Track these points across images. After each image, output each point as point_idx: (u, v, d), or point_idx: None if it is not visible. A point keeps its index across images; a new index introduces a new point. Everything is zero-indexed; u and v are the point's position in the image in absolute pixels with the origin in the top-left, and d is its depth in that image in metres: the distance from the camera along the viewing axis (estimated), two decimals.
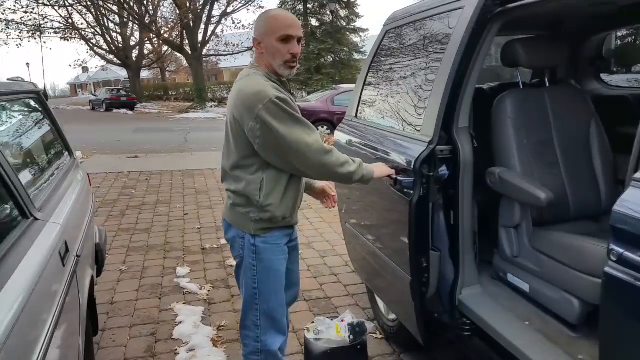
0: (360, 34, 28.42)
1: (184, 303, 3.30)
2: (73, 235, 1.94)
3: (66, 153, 2.81)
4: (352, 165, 1.82)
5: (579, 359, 1.73)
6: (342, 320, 2.27)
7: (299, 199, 1.97)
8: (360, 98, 2.94)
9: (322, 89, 17.90)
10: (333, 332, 2.23)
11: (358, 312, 3.15)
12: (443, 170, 2.03)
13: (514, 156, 2.19)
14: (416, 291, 2.05)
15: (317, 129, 12.56)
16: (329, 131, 12.24)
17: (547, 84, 2.43)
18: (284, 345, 2.05)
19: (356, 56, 27.62)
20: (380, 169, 2.01)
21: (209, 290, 3.50)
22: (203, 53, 27.60)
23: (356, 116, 2.94)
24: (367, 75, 2.89)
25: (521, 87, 2.39)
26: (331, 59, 26.91)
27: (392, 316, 2.74)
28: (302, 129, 1.72)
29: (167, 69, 43.00)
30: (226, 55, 29.74)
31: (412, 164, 1.98)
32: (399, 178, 2.02)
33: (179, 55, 32.40)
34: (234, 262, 3.89)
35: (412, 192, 1.98)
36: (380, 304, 2.90)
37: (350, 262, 3.93)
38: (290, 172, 1.83)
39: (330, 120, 12.23)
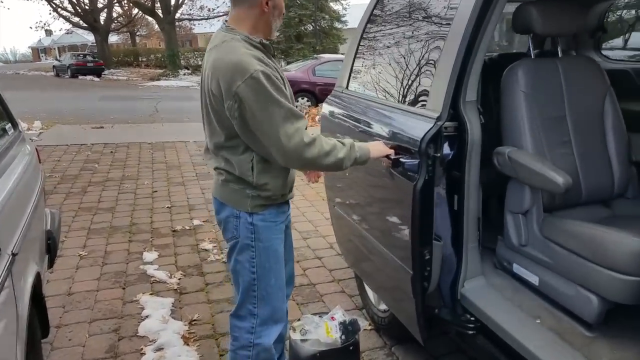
0: (342, 1, 27.82)
1: (151, 294, 3.00)
2: (7, 227, 1.62)
3: (8, 125, 2.44)
4: (340, 150, 1.62)
5: None
6: (333, 318, 2.03)
7: (295, 173, 1.81)
8: (352, 68, 2.64)
9: (303, 58, 17.44)
10: (322, 331, 1.99)
11: (345, 300, 2.92)
12: (447, 149, 1.79)
13: (526, 134, 1.96)
14: (417, 287, 1.83)
15: (297, 100, 12.42)
16: (309, 103, 11.92)
17: (560, 54, 2.18)
18: (284, 332, 1.90)
19: (337, 25, 27.00)
20: (377, 148, 1.79)
21: (179, 279, 3.21)
22: (176, 17, 26.57)
23: (347, 88, 2.64)
24: (359, 43, 2.58)
25: (532, 56, 2.12)
26: (312, 28, 26.26)
27: (383, 306, 2.52)
28: (285, 116, 1.49)
29: (138, 33, 41.55)
30: (201, 20, 28.79)
31: (418, 143, 1.72)
32: (402, 159, 1.78)
33: (150, 19, 31.13)
34: (208, 246, 3.72)
35: (416, 175, 1.73)
36: (370, 293, 2.68)
37: (336, 244, 3.70)
38: (271, 160, 1.62)
39: (311, 91, 12.05)
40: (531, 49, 2.13)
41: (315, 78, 12.01)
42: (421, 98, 1.93)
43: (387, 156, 1.82)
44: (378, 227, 2.19)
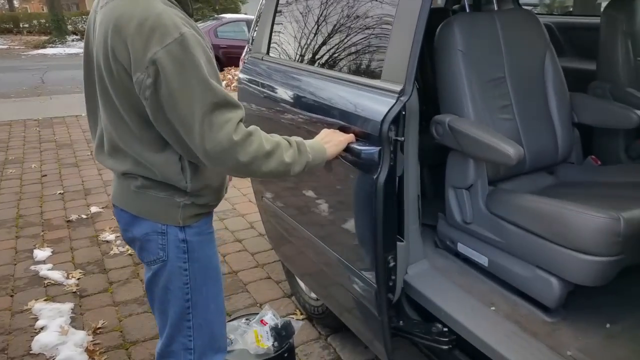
0: None
1: (45, 300, 2.56)
2: None
3: None
4: (286, 150, 1.22)
5: (568, 355, 1.39)
6: (263, 322, 1.75)
7: None
8: (271, 30, 2.21)
9: (203, 18, 16.37)
10: (251, 339, 1.72)
11: (271, 287, 2.66)
12: None
13: (466, 100, 1.77)
14: (383, 302, 1.54)
15: None
16: None
17: (496, 6, 1.98)
18: None
19: None
20: (333, 143, 1.40)
21: (78, 279, 2.77)
22: None
23: (268, 53, 2.21)
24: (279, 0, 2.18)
25: (467, 10, 1.92)
26: None
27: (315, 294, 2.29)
28: (214, 102, 1.07)
29: None
30: None
31: (378, 125, 1.38)
32: (356, 147, 1.44)
33: None
34: (110, 237, 3.25)
35: (377, 166, 1.41)
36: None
37: (257, 223, 3.42)
38: (194, 161, 1.21)
39: (214, 55, 11.11)
40: (466, 1, 1.91)
41: (218, 40, 11.11)
42: (374, 67, 1.59)
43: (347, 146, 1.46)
44: (326, 231, 1.84)
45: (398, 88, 1.38)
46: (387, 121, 1.36)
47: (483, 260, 1.74)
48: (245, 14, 17.49)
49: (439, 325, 1.56)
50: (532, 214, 1.58)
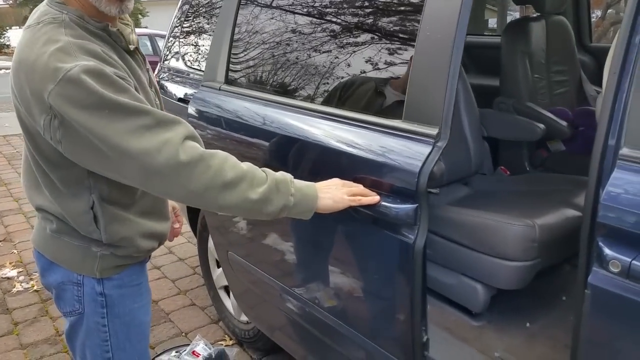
0: None
1: None
2: None
3: None
4: (256, 184, 1.00)
5: (496, 356, 1.48)
6: (195, 354, 1.68)
7: (165, 206, 1.24)
8: (229, 55, 1.87)
9: None
10: None
11: (197, 314, 2.55)
12: None
13: None
14: None
15: None
16: None
17: None
18: None
19: None
20: (333, 195, 1.12)
21: None
22: None
23: (228, 83, 1.86)
24: (236, 15, 1.85)
25: None
26: None
27: (245, 317, 2.23)
28: (138, 120, 0.92)
29: None
30: None
31: (414, 178, 1.12)
32: (386, 204, 1.16)
33: None
34: (11, 273, 2.98)
35: (414, 227, 1.14)
36: (228, 303, 2.35)
37: (176, 247, 3.28)
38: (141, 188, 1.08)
39: None
40: None
41: None
42: (394, 107, 1.31)
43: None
44: (337, 299, 1.49)
45: (434, 132, 1.12)
46: (425, 173, 1.10)
47: None
48: (147, 27, 16.90)
49: None
50: (455, 224, 1.67)
